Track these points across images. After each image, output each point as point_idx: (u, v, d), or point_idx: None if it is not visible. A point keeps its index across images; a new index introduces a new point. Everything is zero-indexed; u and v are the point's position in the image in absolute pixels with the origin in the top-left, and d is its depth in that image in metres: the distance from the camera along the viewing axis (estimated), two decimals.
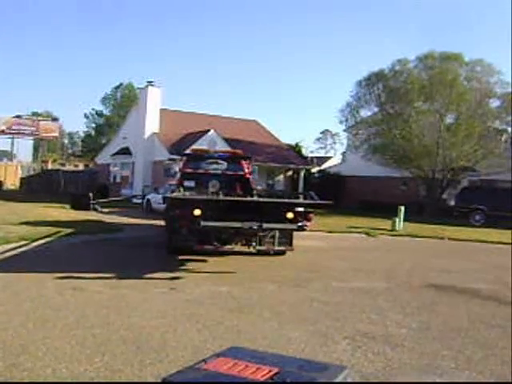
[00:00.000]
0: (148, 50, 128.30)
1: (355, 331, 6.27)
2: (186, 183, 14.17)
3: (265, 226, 9.43)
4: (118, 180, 40.41)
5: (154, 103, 37.69)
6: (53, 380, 4.42)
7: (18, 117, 53.00)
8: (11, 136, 53.92)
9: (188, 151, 17.66)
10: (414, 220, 23.38)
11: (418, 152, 30.42)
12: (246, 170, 14.82)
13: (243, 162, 15.04)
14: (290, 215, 9.64)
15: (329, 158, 66.72)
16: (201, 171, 14.63)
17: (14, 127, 52.22)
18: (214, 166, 14.62)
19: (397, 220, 20.74)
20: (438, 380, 4.85)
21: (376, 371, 4.96)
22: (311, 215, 10.17)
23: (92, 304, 6.95)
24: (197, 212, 9.39)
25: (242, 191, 14.13)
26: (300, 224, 9.89)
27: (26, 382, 4.28)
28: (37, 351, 5.08)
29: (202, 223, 9.25)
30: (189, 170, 14.81)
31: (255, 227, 9.38)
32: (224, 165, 14.68)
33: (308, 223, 10.11)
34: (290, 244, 10.99)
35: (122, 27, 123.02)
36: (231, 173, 14.67)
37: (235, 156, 15.46)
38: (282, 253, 11.51)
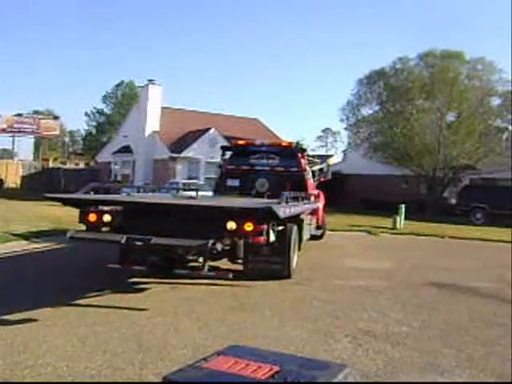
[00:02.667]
0: (149, 47, 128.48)
1: (356, 329, 6.27)
2: (229, 182, 12.53)
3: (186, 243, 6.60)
4: (119, 178, 40.46)
5: (155, 101, 37.73)
6: (53, 378, 4.42)
7: (19, 115, 53.04)
8: (12, 134, 53.96)
9: (227, 144, 15.97)
10: (415, 218, 23.40)
11: (419, 150, 30.42)
12: (302, 166, 12.32)
13: (299, 156, 12.45)
14: (231, 225, 6.84)
15: (330, 156, 66.72)
16: (246, 168, 12.49)
17: (15, 125, 52.26)
18: (263, 161, 12.48)
19: (398, 218, 20.75)
20: (439, 379, 4.85)
21: (377, 369, 4.96)
22: (249, 226, 6.93)
23: (92, 302, 6.95)
24: (106, 218, 7.40)
25: (296, 192, 10.85)
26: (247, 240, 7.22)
27: (25, 381, 4.27)
28: (38, 349, 5.09)
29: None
30: (231, 167, 12.71)
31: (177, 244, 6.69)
32: (275, 160, 12.46)
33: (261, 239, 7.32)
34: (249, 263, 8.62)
35: (123, 25, 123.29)
36: (283, 169, 12.32)
37: (289, 148, 12.82)
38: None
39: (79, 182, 35.90)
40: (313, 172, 14.04)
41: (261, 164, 12.46)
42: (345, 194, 34.34)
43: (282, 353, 3.12)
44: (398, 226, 20.48)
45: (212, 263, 7.77)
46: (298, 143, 13.89)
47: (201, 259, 7.22)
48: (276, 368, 2.49)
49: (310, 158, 14.85)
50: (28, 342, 5.30)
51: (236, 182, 12.42)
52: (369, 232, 18.84)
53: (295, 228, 9.19)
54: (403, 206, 21.42)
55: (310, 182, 12.74)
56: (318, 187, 14.41)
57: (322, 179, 15.05)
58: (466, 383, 4.82)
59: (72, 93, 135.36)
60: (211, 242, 6.41)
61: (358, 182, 35.73)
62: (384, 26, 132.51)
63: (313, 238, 12.76)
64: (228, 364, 2.54)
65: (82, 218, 7.49)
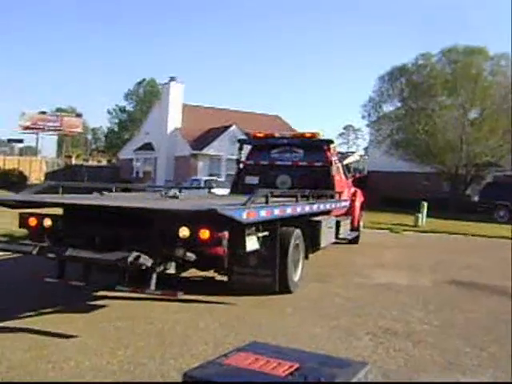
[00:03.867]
0: (170, 45, 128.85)
1: (377, 327, 6.24)
2: (248, 180, 11.37)
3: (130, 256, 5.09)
4: (141, 175, 40.72)
5: (177, 99, 37.91)
6: (75, 373, 4.48)
7: (42, 113, 53.61)
8: (36, 132, 54.56)
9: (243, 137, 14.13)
10: (437, 216, 23.19)
11: (442, 147, 30.14)
12: (328, 160, 10.93)
13: (324, 149, 11.13)
14: (184, 232, 5.52)
15: (351, 153, 66.40)
16: (266, 163, 11.45)
17: (38, 123, 52.81)
18: (285, 155, 11.33)
19: (420, 216, 20.60)
20: (461, 378, 4.80)
21: (398, 368, 4.93)
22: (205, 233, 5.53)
23: (114, 298, 7.01)
24: (46, 222, 6.17)
25: (321, 189, 9.89)
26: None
27: (26, 381, 4.31)
28: (61, 344, 5.15)
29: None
30: (250, 163, 11.67)
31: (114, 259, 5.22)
32: (298, 153, 11.27)
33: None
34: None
35: (145, 23, 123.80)
36: (307, 164, 11.08)
37: (313, 140, 11.44)
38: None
39: (101, 179, 36.32)
40: (347, 167, 13.04)
41: (282, 159, 11.33)
42: (366, 191, 34.14)
43: (303, 350, 3.12)
44: (420, 223, 20.33)
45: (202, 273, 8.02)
46: (327, 140, 11.80)
47: (171, 270, 5.81)
48: (296, 365, 2.50)
49: (343, 152, 14.11)
50: (51, 337, 5.37)
51: (255, 180, 11.24)
52: (390, 230, 18.73)
53: (296, 233, 7.66)
54: (425, 203, 21.25)
55: (339, 178, 11.45)
56: (355, 184, 13.54)
57: (357, 175, 14.17)
58: (466, 383, 4.78)
59: (95, 90, 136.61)
60: (133, 256, 5.06)
61: (380, 179, 35.52)
62: (406, 22, 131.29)
63: (339, 241, 11.15)
64: (248, 360, 2.55)
65: (23, 223, 6.39)
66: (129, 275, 5.51)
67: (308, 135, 11.55)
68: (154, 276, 5.40)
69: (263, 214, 6.27)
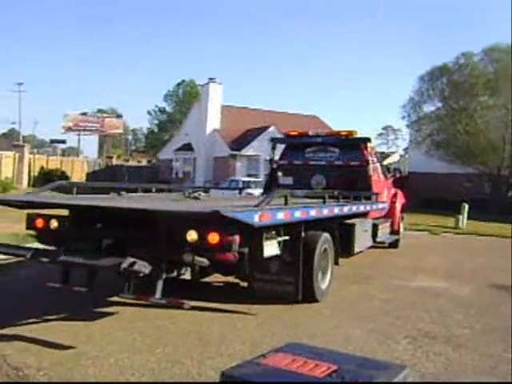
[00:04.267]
0: (210, 46, 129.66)
1: (416, 330, 6.17)
2: (281, 180, 11.05)
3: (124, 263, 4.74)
4: (180, 175, 41.07)
5: (216, 100, 38.10)
6: (115, 369, 4.55)
7: (84, 114, 54.68)
8: (78, 133, 55.61)
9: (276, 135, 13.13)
10: (478, 218, 22.76)
11: (483, 148, 29.57)
12: (365, 159, 10.43)
13: (361, 147, 10.62)
14: (192, 236, 5.09)
15: (392, 153, 65.64)
16: (300, 163, 11.06)
17: (80, 124, 53.90)
18: (320, 154, 10.90)
19: (460, 218, 20.27)
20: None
21: (437, 372, 4.87)
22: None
23: None
24: (53, 224, 5.90)
25: (357, 190, 9.53)
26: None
27: (26, 381, 4.37)
28: (100, 341, 5.24)
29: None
30: (283, 162, 11.32)
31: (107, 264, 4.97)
32: (334, 152, 10.82)
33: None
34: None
35: (185, 25, 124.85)
36: (342, 163, 10.64)
37: (349, 138, 10.83)
38: None
39: (141, 179, 36.78)
40: (386, 167, 12.58)
41: (317, 158, 10.90)
42: (406, 191, 33.72)
43: (340, 352, 3.11)
44: (460, 225, 19.99)
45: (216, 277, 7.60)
46: (364, 138, 11.04)
47: (187, 276, 6.14)
48: (334, 367, 2.49)
49: (382, 152, 13.62)
50: (92, 333, 5.47)
51: (289, 180, 10.90)
52: (430, 231, 18.47)
53: (324, 237, 7.20)
54: (466, 205, 20.89)
55: (377, 179, 10.94)
56: (395, 185, 12.97)
57: (397, 175, 13.55)
58: (467, 383, 4.69)
59: (135, 91, 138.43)
60: (127, 262, 4.70)
61: (420, 180, 35.01)
62: (448, 21, 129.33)
63: (378, 245, 10.82)
64: (286, 361, 2.56)
65: (30, 224, 6.11)
66: (135, 282, 5.08)
67: (344, 133, 10.94)
68: (160, 283, 5.02)
69: (281, 216, 5.78)
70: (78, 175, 46.22)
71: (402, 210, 13.25)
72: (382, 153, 12.24)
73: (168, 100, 77.22)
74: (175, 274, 5.64)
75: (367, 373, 2.50)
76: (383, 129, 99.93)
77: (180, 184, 33.35)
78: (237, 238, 5.19)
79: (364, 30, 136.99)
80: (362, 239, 8.72)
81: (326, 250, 7.33)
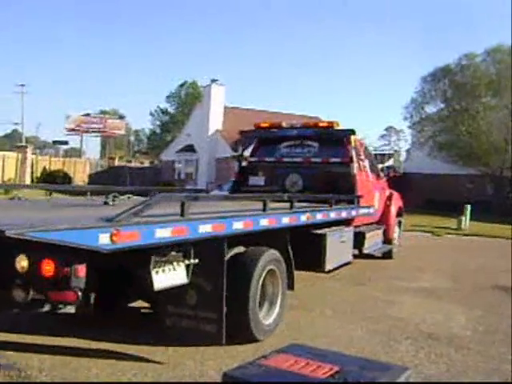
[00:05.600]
0: (211, 47, 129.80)
1: (418, 332, 6.17)
2: (252, 180, 9.58)
3: None
4: (183, 177, 41.11)
5: (218, 101, 38.11)
6: (116, 367, 4.55)
7: (86, 115, 54.74)
8: (80, 134, 55.70)
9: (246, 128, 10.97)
10: (481, 219, 22.74)
11: (486, 149, 29.52)
12: (349, 155, 8.86)
13: (344, 141, 8.99)
14: (22, 264, 3.59)
15: (392, 154, 65.49)
16: (273, 160, 9.63)
17: (83, 125, 53.95)
18: (296, 150, 9.46)
19: (463, 219, 20.25)
20: None
21: (439, 373, 4.87)
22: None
23: None
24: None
25: (339, 192, 8.20)
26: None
27: (26, 382, 4.36)
28: (103, 341, 5.24)
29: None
30: (254, 160, 9.86)
31: None
32: (312, 147, 9.35)
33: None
34: None
35: (187, 25, 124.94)
36: (321, 160, 9.16)
37: (330, 131, 9.19)
38: None
39: (144, 180, 36.84)
40: (375, 165, 10.85)
41: (293, 154, 9.45)
42: (408, 193, 33.70)
43: (343, 353, 3.11)
44: (463, 226, 19.98)
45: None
46: (347, 130, 9.26)
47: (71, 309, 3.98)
48: (336, 368, 2.49)
49: (375, 149, 12.33)
50: (94, 334, 5.47)
51: (260, 181, 9.51)
52: (433, 233, 18.47)
53: (267, 256, 5.52)
54: (468, 206, 20.88)
55: (366, 178, 9.49)
56: (390, 186, 11.79)
57: (391, 174, 11.86)
58: (467, 383, 4.68)
59: (137, 92, 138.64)
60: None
61: (422, 181, 34.98)
62: (449, 22, 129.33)
63: (365, 256, 9.66)
64: (288, 362, 2.56)
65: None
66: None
67: (323, 124, 9.50)
68: None
69: (164, 233, 4.02)
70: (80, 176, 46.27)
71: (399, 214, 11.89)
72: (376, 154, 11.13)
73: (170, 101, 77.31)
74: (47, 308, 3.81)
75: (370, 374, 2.50)
76: (385, 130, 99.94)
77: (182, 185, 33.43)
78: (80, 268, 3.65)
79: (367, 31, 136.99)
80: (337, 252, 7.38)
81: (272, 271, 5.69)
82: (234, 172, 10.30)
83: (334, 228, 7.42)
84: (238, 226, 4.95)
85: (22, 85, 58.94)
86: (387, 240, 10.66)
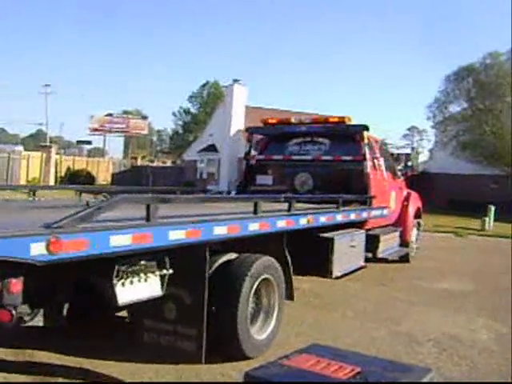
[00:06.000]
0: (234, 47, 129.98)
1: (441, 333, 6.13)
2: (259, 179, 9.24)
3: None
4: (205, 176, 41.24)
5: (240, 101, 38.11)
6: (137, 366, 4.59)
7: (109, 115, 55.21)
8: (103, 134, 56.18)
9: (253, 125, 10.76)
10: (505, 220, 22.47)
11: (510, 149, 29.17)
12: (361, 153, 8.34)
13: (357, 138, 8.51)
14: None
15: (410, 154, 64.81)
16: (281, 158, 9.12)
17: (106, 125, 54.43)
18: (306, 147, 8.97)
19: (486, 220, 20.03)
20: None
21: (462, 376, 4.83)
22: None
23: None
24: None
25: (351, 192, 7.94)
26: None
27: (27, 381, 4.37)
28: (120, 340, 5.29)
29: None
30: (261, 158, 9.38)
31: None
32: (323, 144, 8.87)
33: None
34: None
35: (210, 26, 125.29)
36: (332, 158, 8.62)
37: (342, 126, 8.77)
38: None
39: (166, 180, 37.04)
40: (391, 164, 10.20)
41: (302, 152, 8.97)
42: (431, 193, 33.43)
43: (364, 354, 3.11)
44: (486, 227, 19.76)
45: None
46: (361, 125, 8.67)
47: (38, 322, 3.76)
48: (358, 369, 2.50)
49: (392, 154, 11.24)
50: (108, 333, 5.50)
51: (268, 180, 9.16)
52: (455, 233, 18.30)
53: (259, 264, 4.98)
54: (492, 206, 20.64)
55: (380, 177, 8.92)
56: (408, 185, 11.29)
57: (409, 173, 11.18)
58: (467, 383, 4.63)
59: (160, 93, 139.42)
60: None
61: (445, 181, 34.66)
62: (473, 20, 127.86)
63: (377, 260, 9.02)
64: (310, 362, 2.57)
65: None
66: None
67: (334, 120, 8.85)
68: None
69: (123, 241, 3.48)
70: (103, 176, 46.70)
71: (417, 215, 11.26)
72: (392, 154, 10.41)
73: (193, 101, 77.48)
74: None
75: (391, 375, 2.50)
76: (408, 129, 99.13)
77: (204, 185, 33.52)
78: (14, 283, 3.18)
79: (389, 30, 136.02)
80: (346, 257, 6.99)
81: (267, 280, 5.19)
82: (242, 171, 9.83)
83: (344, 231, 7.06)
84: (221, 231, 4.34)
85: (47, 85, 59.55)
86: (404, 243, 10.17)
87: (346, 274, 7.24)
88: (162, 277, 4.10)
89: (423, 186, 31.58)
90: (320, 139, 8.91)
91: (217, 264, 4.75)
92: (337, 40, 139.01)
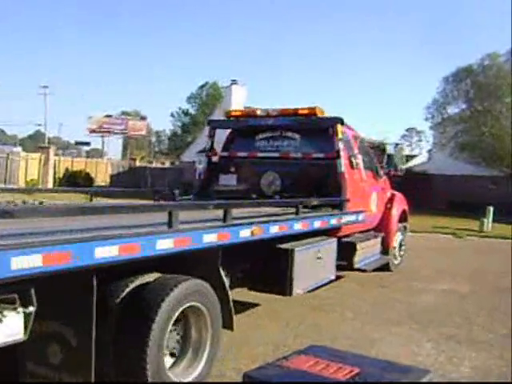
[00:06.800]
0: (234, 47, 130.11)
1: (439, 334, 6.12)
2: (222, 179, 8.28)
3: None
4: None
5: (239, 101, 38.09)
6: None
7: (108, 116, 55.15)
8: (102, 135, 56.16)
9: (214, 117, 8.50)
10: (504, 221, 22.49)
11: (509, 150, 29.20)
12: (335, 149, 7.38)
13: (330, 132, 7.56)
14: None
15: (414, 155, 65.03)
16: (247, 154, 8.19)
17: (104, 126, 54.36)
18: (274, 142, 8.04)
19: (485, 221, 20.02)
20: None
21: (461, 377, 4.82)
22: None
23: None
24: None
25: (321, 194, 7.19)
26: None
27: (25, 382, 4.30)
28: None
29: None
30: (225, 154, 8.54)
31: None
32: (293, 139, 7.93)
33: None
34: None
35: (208, 26, 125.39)
36: (303, 156, 7.73)
37: (313, 119, 7.74)
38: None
39: (164, 181, 37.00)
40: (373, 162, 9.21)
41: (270, 148, 8.03)
42: (429, 194, 33.44)
43: (363, 355, 3.10)
44: (485, 228, 19.76)
45: None
46: (334, 118, 7.74)
47: None
48: (356, 370, 2.49)
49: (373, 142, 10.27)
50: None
51: (232, 180, 8.18)
52: (454, 234, 18.31)
53: (180, 291, 3.92)
54: (491, 208, 20.65)
55: (358, 177, 8.00)
56: (393, 186, 10.30)
57: (392, 173, 9.98)
58: (466, 383, 4.63)
59: (158, 94, 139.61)
60: None
61: (444, 182, 34.67)
62: (472, 21, 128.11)
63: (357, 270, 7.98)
64: (308, 363, 2.56)
65: None
66: None
67: (303, 111, 7.82)
68: None
69: None
70: (102, 177, 46.66)
71: (403, 219, 10.24)
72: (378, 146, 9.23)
73: (191, 102, 77.51)
74: None
75: (390, 376, 2.49)
76: (407, 130, 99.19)
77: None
78: None
79: (388, 31, 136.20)
80: (311, 272, 6.12)
81: (195, 309, 4.15)
82: (203, 169, 8.83)
83: (309, 240, 6.11)
84: (108, 253, 3.27)
85: (46, 86, 59.56)
86: (386, 250, 9.29)
87: (313, 290, 6.46)
88: (27, 315, 3.05)
89: (422, 187, 31.74)
90: (289, 134, 7.97)
91: (129, 288, 3.83)
92: (336, 40, 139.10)
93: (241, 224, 4.68)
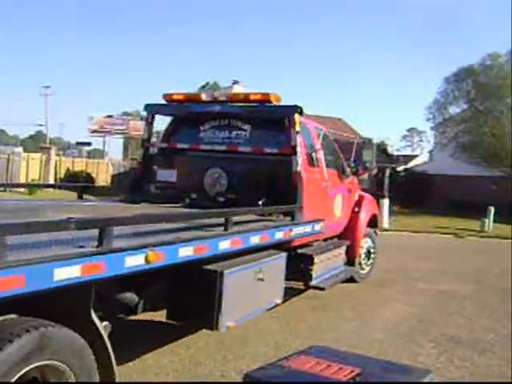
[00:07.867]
0: (234, 48, 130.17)
1: (440, 335, 6.11)
2: (160, 175, 7.09)
3: None
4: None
5: None
6: (139, 367, 4.58)
7: (109, 116, 55.17)
8: (103, 135, 56.18)
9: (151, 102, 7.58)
10: (505, 221, 22.48)
11: (510, 150, 29.18)
12: (294, 145, 6.22)
13: (285, 123, 6.39)
14: None
15: (415, 156, 65.00)
16: (189, 146, 6.98)
17: (105, 126, 54.37)
18: (223, 133, 6.83)
19: (486, 221, 20.02)
20: None
21: (462, 378, 4.81)
22: None
23: None
24: None
25: (273, 196, 6.13)
26: None
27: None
28: (126, 343, 5.27)
29: None
30: (164, 146, 7.25)
31: None
32: (245, 130, 6.73)
33: None
34: None
35: (211, 26, 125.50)
36: (254, 150, 6.54)
37: (266, 106, 6.56)
38: None
39: None
40: (339, 159, 7.99)
41: (216, 140, 6.85)
42: (431, 194, 33.42)
43: (364, 355, 3.10)
44: (486, 228, 19.75)
45: None
46: (291, 106, 6.52)
47: None
48: (357, 370, 2.49)
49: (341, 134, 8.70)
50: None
51: (172, 176, 6.99)
52: (455, 234, 18.29)
53: (28, 340, 2.64)
54: (492, 208, 20.64)
55: (319, 177, 6.89)
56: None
57: (360, 171, 8.63)
58: (467, 383, 4.62)
59: (159, 94, 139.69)
60: None
61: (445, 182, 34.66)
62: (472, 21, 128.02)
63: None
64: (309, 364, 2.56)
65: None
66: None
67: (255, 97, 6.59)
68: None
69: None
70: (103, 177, 46.64)
71: (372, 223, 9.04)
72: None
73: None
74: None
75: (391, 376, 2.49)
76: (408, 131, 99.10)
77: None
78: None
79: (389, 31, 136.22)
80: (248, 298, 4.90)
81: (54, 369, 2.89)
82: (137, 162, 7.69)
83: (246, 258, 4.87)
84: None
85: (47, 86, 59.63)
86: (352, 259, 8.17)
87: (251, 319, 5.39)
88: None
89: (423, 187, 31.68)
90: (239, 123, 6.80)
91: None
92: (336, 41, 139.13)
93: (123, 250, 3.22)
